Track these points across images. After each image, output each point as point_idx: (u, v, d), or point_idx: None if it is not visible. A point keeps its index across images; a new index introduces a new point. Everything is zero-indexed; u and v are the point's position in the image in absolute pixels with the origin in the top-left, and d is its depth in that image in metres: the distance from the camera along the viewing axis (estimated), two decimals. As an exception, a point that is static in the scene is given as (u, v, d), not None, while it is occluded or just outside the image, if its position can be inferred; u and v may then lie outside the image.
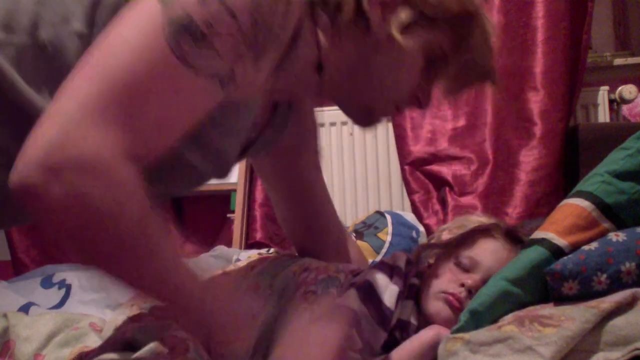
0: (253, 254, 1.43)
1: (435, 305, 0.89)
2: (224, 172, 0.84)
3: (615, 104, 1.94)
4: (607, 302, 0.70)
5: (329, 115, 2.00)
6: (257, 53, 0.65)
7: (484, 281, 0.84)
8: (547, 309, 0.74)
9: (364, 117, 0.87)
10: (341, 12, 0.74)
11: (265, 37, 0.65)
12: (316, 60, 0.77)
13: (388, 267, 0.93)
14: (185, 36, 0.60)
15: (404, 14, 0.75)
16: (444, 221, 1.72)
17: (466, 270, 0.90)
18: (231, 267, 1.16)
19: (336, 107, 0.87)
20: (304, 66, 0.76)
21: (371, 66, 0.79)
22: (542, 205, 1.72)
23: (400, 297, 0.92)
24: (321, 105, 0.90)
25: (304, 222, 1.07)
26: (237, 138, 0.82)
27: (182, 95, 0.63)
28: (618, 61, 2.03)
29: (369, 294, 0.90)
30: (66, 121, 0.57)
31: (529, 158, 1.75)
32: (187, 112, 0.64)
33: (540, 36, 1.77)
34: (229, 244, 1.90)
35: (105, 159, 0.58)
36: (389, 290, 0.91)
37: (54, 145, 0.57)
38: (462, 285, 0.88)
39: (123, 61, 0.59)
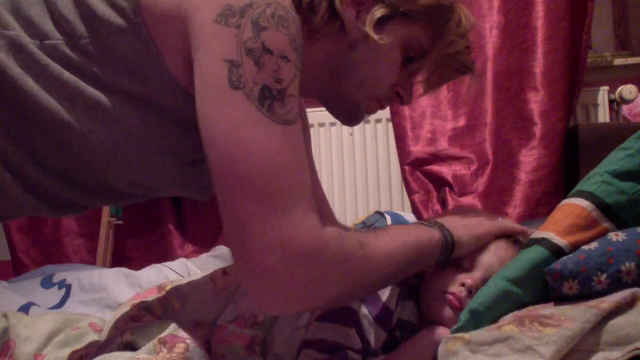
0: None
1: (435, 305, 0.89)
2: None
3: (615, 104, 1.94)
4: (607, 302, 0.70)
5: (329, 116, 1.99)
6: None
7: (484, 281, 0.84)
8: (547, 309, 0.73)
9: (347, 114, 0.88)
10: (314, 13, 0.75)
11: (300, 52, 0.68)
12: None
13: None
14: (273, 102, 0.64)
15: (378, 12, 0.76)
16: (444, 221, 1.71)
17: (466, 269, 0.90)
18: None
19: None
20: None
21: (350, 64, 0.80)
22: (542, 205, 1.72)
23: (401, 297, 0.92)
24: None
25: None
26: None
27: (301, 143, 0.67)
28: (618, 61, 2.03)
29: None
30: (273, 225, 0.62)
31: (529, 158, 1.75)
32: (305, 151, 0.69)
33: (540, 36, 1.77)
34: (229, 244, 1.89)
35: (321, 234, 0.65)
36: (389, 290, 0.91)
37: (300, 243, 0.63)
38: (462, 284, 0.88)
39: (259, 158, 0.63)
